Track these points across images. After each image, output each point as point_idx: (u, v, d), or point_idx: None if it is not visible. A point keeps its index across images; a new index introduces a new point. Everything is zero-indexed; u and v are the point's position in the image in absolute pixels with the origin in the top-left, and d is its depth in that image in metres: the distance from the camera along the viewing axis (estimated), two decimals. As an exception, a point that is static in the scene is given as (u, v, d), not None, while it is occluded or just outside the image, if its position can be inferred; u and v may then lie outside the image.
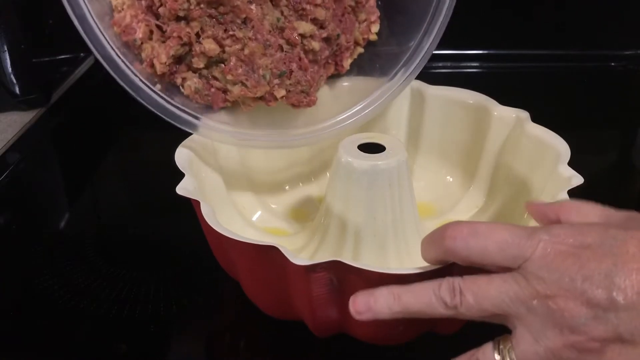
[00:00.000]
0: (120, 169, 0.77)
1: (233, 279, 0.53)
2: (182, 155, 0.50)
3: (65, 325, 0.49)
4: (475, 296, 0.32)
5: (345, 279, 0.38)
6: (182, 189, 0.46)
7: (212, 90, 0.48)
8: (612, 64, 0.95)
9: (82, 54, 0.98)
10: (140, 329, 0.48)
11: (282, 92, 0.47)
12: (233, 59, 0.46)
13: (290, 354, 0.47)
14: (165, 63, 0.47)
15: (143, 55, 0.48)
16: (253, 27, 0.46)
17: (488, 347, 0.33)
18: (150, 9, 0.47)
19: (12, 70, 0.80)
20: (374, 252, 0.48)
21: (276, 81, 0.47)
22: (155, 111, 0.49)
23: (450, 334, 0.44)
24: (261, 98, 0.48)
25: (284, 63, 0.47)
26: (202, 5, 0.45)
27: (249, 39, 0.46)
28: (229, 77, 0.46)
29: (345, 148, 0.46)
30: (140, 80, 0.47)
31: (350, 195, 0.47)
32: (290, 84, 0.48)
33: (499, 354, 0.32)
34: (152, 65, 0.48)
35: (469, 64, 0.78)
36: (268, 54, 0.46)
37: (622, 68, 0.94)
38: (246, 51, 0.46)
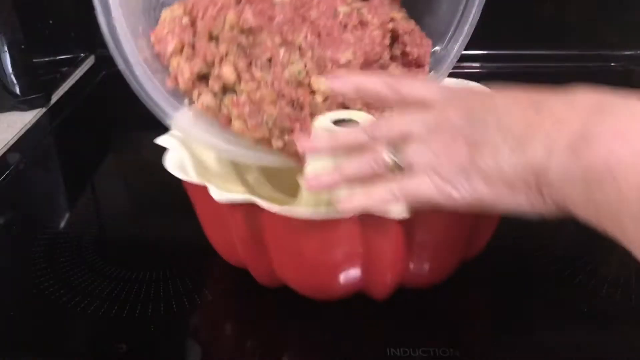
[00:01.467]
0: (119, 169, 0.77)
1: (232, 279, 0.53)
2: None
3: (65, 325, 0.49)
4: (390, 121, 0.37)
5: (259, 221, 0.43)
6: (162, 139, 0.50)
7: (220, 113, 0.48)
8: (612, 64, 0.95)
9: (82, 54, 0.98)
10: (140, 329, 0.48)
11: (279, 144, 0.47)
12: (244, 95, 0.46)
13: (292, 353, 0.47)
14: (189, 80, 0.47)
15: (170, 68, 0.49)
16: (274, 72, 0.46)
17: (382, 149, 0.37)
18: (190, 26, 0.47)
19: (12, 70, 0.80)
20: None
21: (276, 132, 0.47)
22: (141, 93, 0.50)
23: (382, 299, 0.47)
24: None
25: (289, 120, 0.46)
26: (235, 31, 0.46)
27: (265, 83, 0.46)
28: (234, 110, 0.47)
29: (320, 120, 0.46)
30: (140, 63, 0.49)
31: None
32: (288, 140, 0.47)
33: (390, 156, 0.36)
34: (176, 80, 0.49)
35: (469, 64, 0.78)
36: (278, 105, 0.46)
37: (622, 68, 0.94)
38: (258, 94, 0.46)
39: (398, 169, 0.37)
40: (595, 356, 0.46)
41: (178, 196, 0.66)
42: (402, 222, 0.41)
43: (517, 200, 0.33)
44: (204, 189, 0.44)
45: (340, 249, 0.44)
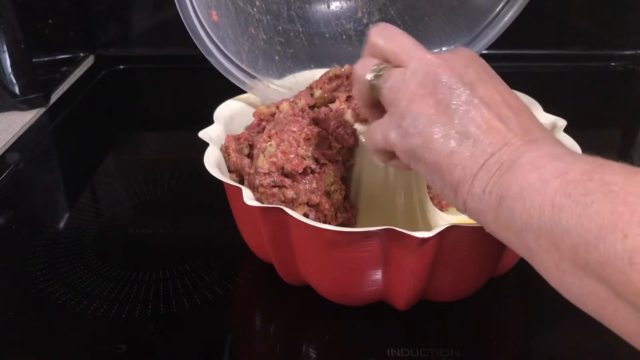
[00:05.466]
0: (119, 169, 0.77)
1: (232, 279, 0.53)
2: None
3: (65, 325, 0.49)
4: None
5: (287, 228, 0.44)
6: (204, 132, 0.52)
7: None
8: (612, 64, 0.95)
9: (81, 54, 0.98)
10: (140, 329, 0.48)
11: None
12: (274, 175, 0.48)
13: (289, 352, 0.47)
14: (265, 171, 0.48)
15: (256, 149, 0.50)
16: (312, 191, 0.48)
17: (363, 66, 0.40)
18: (302, 121, 0.50)
19: (12, 70, 0.80)
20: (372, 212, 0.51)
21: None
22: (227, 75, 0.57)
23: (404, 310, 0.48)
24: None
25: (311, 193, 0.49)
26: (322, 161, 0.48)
27: (306, 190, 0.48)
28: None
29: (361, 127, 0.50)
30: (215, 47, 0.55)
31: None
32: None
33: (373, 72, 0.39)
34: (248, 156, 0.52)
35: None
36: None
37: (622, 68, 0.94)
38: (287, 194, 0.48)
39: (372, 88, 0.39)
40: (597, 356, 0.46)
41: (178, 196, 0.66)
42: (426, 241, 0.41)
43: (434, 180, 0.36)
44: (237, 188, 0.45)
45: (364, 263, 0.44)
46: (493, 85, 0.36)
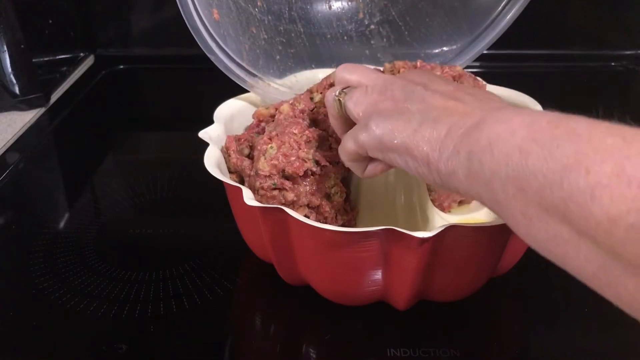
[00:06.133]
0: (119, 169, 0.77)
1: (232, 279, 0.53)
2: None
3: (65, 325, 0.49)
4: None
5: (288, 228, 0.44)
6: (204, 132, 0.52)
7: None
8: (612, 63, 0.95)
9: (81, 54, 0.98)
10: (140, 329, 0.48)
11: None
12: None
13: (288, 352, 0.47)
14: (266, 173, 0.48)
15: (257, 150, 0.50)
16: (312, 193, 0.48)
17: (331, 91, 0.44)
18: (303, 123, 0.50)
19: (12, 70, 0.80)
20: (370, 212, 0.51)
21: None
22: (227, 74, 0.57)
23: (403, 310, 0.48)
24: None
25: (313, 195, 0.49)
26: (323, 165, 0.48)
27: (306, 192, 0.48)
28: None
29: None
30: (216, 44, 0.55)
31: None
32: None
33: (338, 91, 0.44)
34: (249, 156, 0.52)
35: (470, 65, 0.78)
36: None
37: (622, 68, 0.94)
38: (287, 197, 0.48)
39: (340, 107, 0.43)
40: (597, 357, 0.46)
41: (178, 196, 0.66)
42: (426, 241, 0.41)
43: (407, 163, 0.38)
44: (237, 188, 0.45)
45: (364, 263, 0.44)
46: (444, 83, 0.40)
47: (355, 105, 0.41)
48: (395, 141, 0.38)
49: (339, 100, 0.43)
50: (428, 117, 0.37)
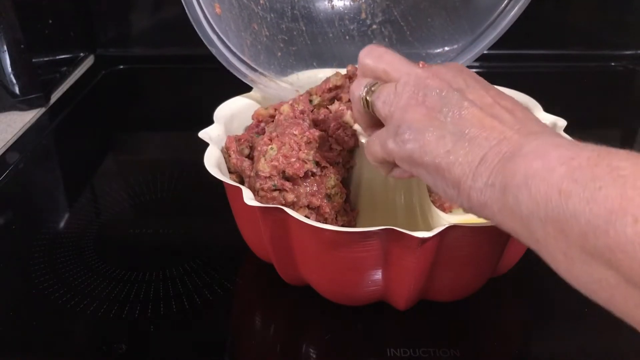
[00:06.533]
0: (119, 169, 0.77)
1: (232, 279, 0.53)
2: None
3: (65, 325, 0.49)
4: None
5: (288, 228, 0.44)
6: (204, 132, 0.51)
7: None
8: (612, 64, 0.95)
9: (81, 54, 0.98)
10: (140, 329, 0.48)
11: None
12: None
13: (287, 352, 0.47)
14: (267, 174, 0.48)
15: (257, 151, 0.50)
16: (312, 195, 0.48)
17: (357, 85, 0.42)
18: (303, 123, 0.50)
19: (12, 70, 0.80)
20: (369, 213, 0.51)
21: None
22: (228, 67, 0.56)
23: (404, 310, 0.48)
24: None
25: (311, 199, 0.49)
26: (318, 164, 0.48)
27: (305, 193, 0.48)
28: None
29: (360, 128, 0.50)
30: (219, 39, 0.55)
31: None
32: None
33: (365, 88, 0.41)
34: (249, 157, 0.52)
35: (471, 65, 0.78)
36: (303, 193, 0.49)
37: (622, 68, 0.94)
38: (287, 198, 0.48)
39: (367, 104, 0.41)
40: (596, 357, 0.46)
41: (178, 196, 0.66)
42: (426, 241, 0.41)
43: (435, 183, 0.36)
44: (237, 188, 0.45)
45: (364, 263, 0.44)
46: (483, 90, 0.37)
47: (384, 105, 0.39)
48: (426, 159, 0.36)
49: (368, 100, 0.41)
50: (463, 135, 0.35)
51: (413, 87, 0.38)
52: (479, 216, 0.35)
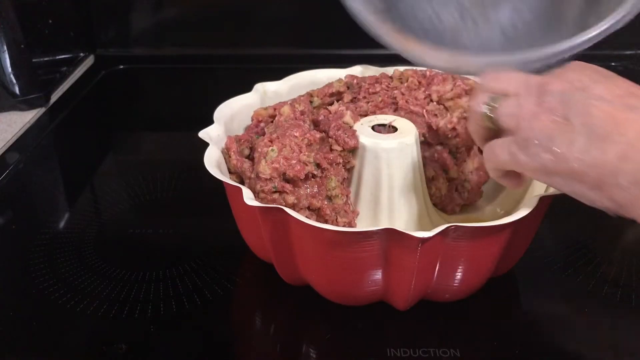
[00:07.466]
0: (119, 169, 0.77)
1: (232, 279, 0.53)
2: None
3: (65, 325, 0.49)
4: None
5: (288, 228, 0.44)
6: (204, 132, 0.51)
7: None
8: (612, 63, 0.95)
9: (81, 54, 0.98)
10: (140, 329, 0.48)
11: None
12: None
13: (287, 351, 0.47)
14: (267, 176, 0.48)
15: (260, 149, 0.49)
16: (313, 196, 0.48)
17: (478, 100, 0.41)
18: (302, 125, 0.50)
19: (12, 70, 0.80)
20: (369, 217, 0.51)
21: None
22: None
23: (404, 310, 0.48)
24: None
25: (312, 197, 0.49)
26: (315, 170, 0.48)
27: (307, 195, 0.48)
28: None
29: (360, 128, 0.51)
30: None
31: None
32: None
33: (486, 104, 0.40)
34: (248, 156, 0.52)
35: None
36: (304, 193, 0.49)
37: (622, 68, 0.94)
38: (288, 199, 0.48)
39: (490, 120, 0.40)
40: (595, 357, 0.46)
41: (178, 196, 0.66)
42: (426, 241, 0.41)
43: (573, 189, 0.36)
44: (237, 188, 0.45)
45: (364, 263, 0.44)
46: (611, 82, 0.36)
47: (510, 119, 0.38)
48: (560, 166, 0.35)
49: (490, 116, 0.40)
50: (594, 134, 0.34)
51: (535, 95, 0.37)
52: (628, 216, 0.34)
